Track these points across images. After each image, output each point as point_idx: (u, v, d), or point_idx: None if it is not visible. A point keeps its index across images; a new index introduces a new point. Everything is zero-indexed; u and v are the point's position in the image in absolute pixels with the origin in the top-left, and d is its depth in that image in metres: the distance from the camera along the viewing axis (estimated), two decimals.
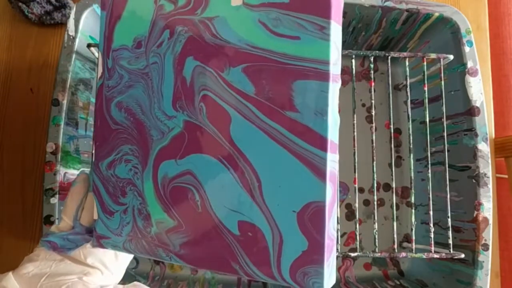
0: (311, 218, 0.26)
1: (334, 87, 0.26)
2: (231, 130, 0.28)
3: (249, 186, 0.28)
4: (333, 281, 0.27)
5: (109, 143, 0.32)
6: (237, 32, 0.28)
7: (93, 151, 0.33)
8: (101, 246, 0.32)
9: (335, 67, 0.26)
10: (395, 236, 0.43)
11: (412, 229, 0.43)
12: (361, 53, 0.45)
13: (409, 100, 0.45)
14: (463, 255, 0.43)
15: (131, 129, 0.31)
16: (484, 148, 0.46)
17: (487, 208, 0.45)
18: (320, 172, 0.26)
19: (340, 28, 0.27)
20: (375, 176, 0.43)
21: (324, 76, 0.26)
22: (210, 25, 0.29)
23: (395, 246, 0.42)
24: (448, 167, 0.46)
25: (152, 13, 0.31)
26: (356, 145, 0.43)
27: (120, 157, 0.32)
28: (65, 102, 0.43)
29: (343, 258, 0.53)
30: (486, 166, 0.46)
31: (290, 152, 0.26)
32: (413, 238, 0.43)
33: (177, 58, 0.30)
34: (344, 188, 0.55)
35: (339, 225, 0.42)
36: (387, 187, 0.55)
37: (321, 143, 0.26)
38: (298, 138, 0.26)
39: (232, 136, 0.28)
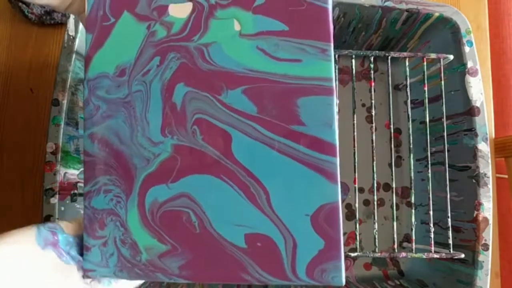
0: (327, 218, 0.28)
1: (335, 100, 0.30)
2: (233, 148, 0.29)
3: (256, 199, 0.29)
4: (344, 271, 0.29)
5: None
6: (234, 58, 0.30)
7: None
8: (89, 277, 0.31)
9: (333, 82, 0.29)
10: (395, 236, 0.43)
11: (412, 229, 0.43)
12: (361, 53, 0.45)
13: (409, 100, 0.45)
14: (463, 255, 0.43)
15: (107, 159, 0.31)
16: (484, 148, 0.46)
17: (487, 208, 0.45)
18: (331, 176, 0.28)
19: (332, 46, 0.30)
20: (375, 176, 0.43)
21: (329, 91, 0.29)
22: (205, 52, 0.30)
23: (395, 246, 0.42)
24: (448, 167, 0.46)
25: (142, 39, 0.31)
26: (356, 145, 0.43)
27: (98, 189, 0.31)
28: (65, 102, 0.43)
29: None
30: (486, 166, 0.46)
31: (298, 162, 0.29)
32: (413, 238, 0.43)
33: (165, 85, 0.30)
34: (344, 188, 0.55)
35: None
36: (387, 187, 0.55)
37: (331, 149, 0.29)
38: (306, 148, 0.29)
39: (234, 154, 0.29)
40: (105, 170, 0.31)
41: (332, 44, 0.29)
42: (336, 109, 0.29)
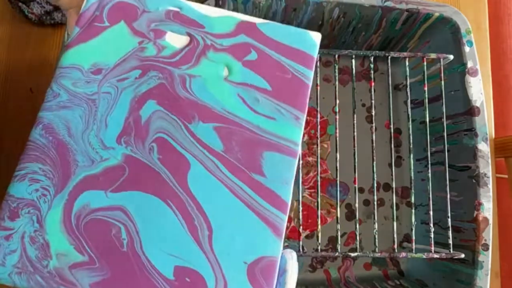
0: (263, 271, 0.28)
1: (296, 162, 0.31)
2: (189, 177, 0.29)
3: (197, 233, 0.28)
4: None
5: None
6: (214, 96, 0.31)
7: None
8: None
9: (299, 147, 0.31)
10: (395, 236, 0.43)
11: (412, 229, 0.43)
12: (361, 53, 0.45)
13: (409, 100, 0.45)
14: (463, 255, 0.43)
15: (47, 148, 0.29)
16: (484, 148, 0.46)
17: (487, 208, 0.45)
18: (278, 231, 0.29)
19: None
20: (375, 176, 0.43)
21: (293, 154, 0.30)
22: (187, 81, 0.31)
23: (395, 246, 0.42)
24: (448, 167, 0.46)
25: (130, 50, 0.31)
26: (356, 145, 0.43)
27: (23, 175, 0.29)
28: None
29: (343, 258, 0.53)
30: (486, 166, 0.46)
31: (250, 209, 0.29)
32: (413, 238, 0.43)
33: (137, 97, 0.31)
34: (344, 188, 0.55)
35: (339, 225, 0.42)
36: (387, 187, 0.55)
37: (283, 206, 0.29)
38: (261, 198, 0.29)
39: (189, 183, 0.29)
40: (40, 158, 0.29)
41: (305, 115, 0.31)
42: (295, 170, 0.30)
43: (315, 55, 0.33)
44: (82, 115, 0.30)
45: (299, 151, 0.31)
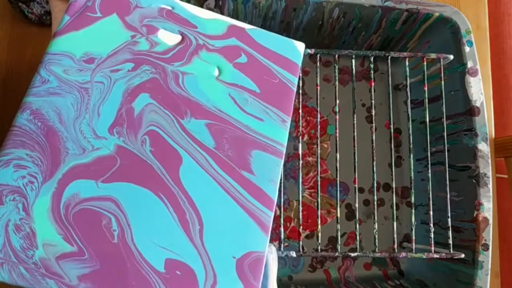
0: (251, 266, 0.29)
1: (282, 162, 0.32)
2: (181, 171, 0.29)
3: (189, 227, 0.28)
4: None
5: None
6: (206, 94, 0.32)
7: None
8: None
9: (285, 148, 0.32)
10: (395, 236, 0.43)
11: (412, 229, 0.43)
12: (361, 53, 0.45)
13: (409, 100, 0.45)
14: (463, 255, 0.43)
15: (36, 134, 0.29)
16: (484, 148, 0.46)
17: (487, 208, 0.45)
18: (264, 227, 0.30)
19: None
20: (375, 176, 0.43)
21: (279, 154, 0.31)
22: (180, 77, 0.32)
23: (395, 246, 0.43)
24: (448, 167, 0.46)
25: (122, 43, 0.32)
26: (356, 145, 0.44)
27: (8, 160, 0.28)
28: None
29: (343, 258, 0.53)
30: (486, 166, 0.46)
31: (239, 205, 0.30)
32: (413, 238, 0.43)
33: (130, 89, 0.31)
34: (344, 188, 0.55)
35: (339, 225, 0.42)
36: (387, 187, 0.55)
37: (270, 204, 0.30)
38: (250, 195, 0.30)
39: (181, 178, 0.29)
40: (27, 144, 0.28)
41: (290, 118, 0.32)
42: (281, 170, 0.31)
43: (299, 63, 0.34)
44: (74, 103, 0.30)
45: (284, 151, 0.32)
